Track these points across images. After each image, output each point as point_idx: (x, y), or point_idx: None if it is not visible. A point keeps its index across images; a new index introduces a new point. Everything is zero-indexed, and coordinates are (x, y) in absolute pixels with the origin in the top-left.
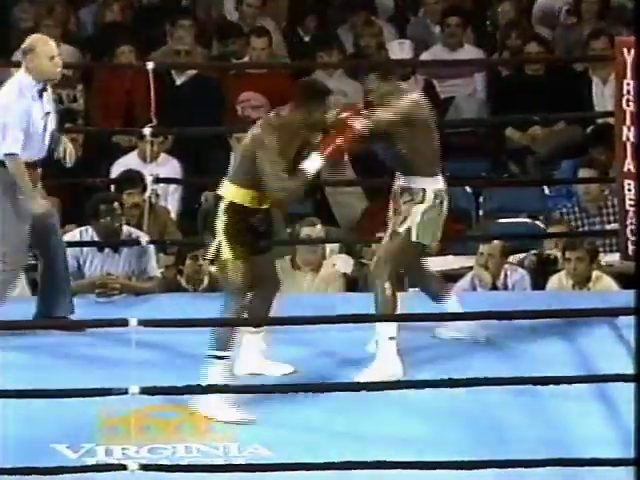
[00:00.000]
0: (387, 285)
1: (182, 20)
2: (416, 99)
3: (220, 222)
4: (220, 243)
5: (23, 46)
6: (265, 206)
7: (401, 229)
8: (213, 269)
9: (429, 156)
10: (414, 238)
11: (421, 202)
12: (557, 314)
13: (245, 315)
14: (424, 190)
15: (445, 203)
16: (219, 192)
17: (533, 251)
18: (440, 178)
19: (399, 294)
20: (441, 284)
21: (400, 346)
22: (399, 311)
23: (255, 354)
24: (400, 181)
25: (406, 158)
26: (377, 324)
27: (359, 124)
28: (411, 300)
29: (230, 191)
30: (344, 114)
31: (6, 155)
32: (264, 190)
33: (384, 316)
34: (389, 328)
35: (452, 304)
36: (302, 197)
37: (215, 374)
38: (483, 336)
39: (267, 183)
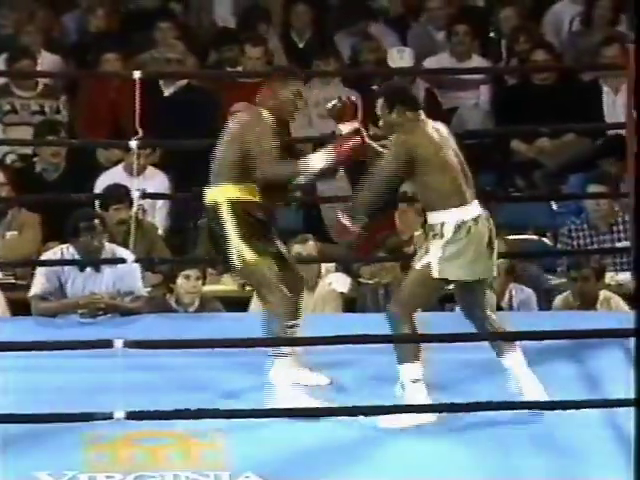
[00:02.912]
0: (405, 326)
1: (163, 23)
2: (428, 132)
3: (229, 226)
4: (239, 247)
5: None
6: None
7: (418, 265)
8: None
9: (445, 190)
10: (436, 275)
11: (440, 237)
12: (564, 335)
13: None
14: (442, 224)
15: (474, 231)
16: (213, 199)
17: None
18: (468, 207)
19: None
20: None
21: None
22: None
23: (294, 366)
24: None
25: (420, 195)
26: (400, 368)
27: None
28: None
29: (226, 191)
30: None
31: None
32: (256, 182)
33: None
34: (412, 370)
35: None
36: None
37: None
38: None
39: (262, 166)
